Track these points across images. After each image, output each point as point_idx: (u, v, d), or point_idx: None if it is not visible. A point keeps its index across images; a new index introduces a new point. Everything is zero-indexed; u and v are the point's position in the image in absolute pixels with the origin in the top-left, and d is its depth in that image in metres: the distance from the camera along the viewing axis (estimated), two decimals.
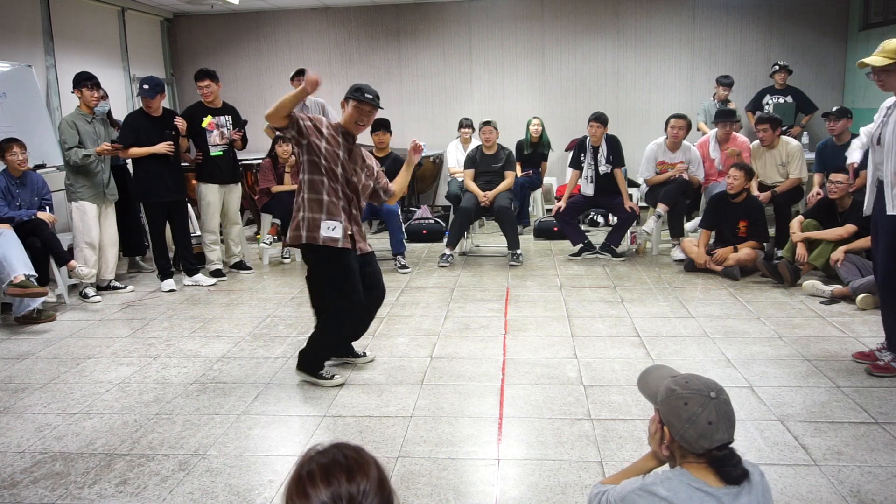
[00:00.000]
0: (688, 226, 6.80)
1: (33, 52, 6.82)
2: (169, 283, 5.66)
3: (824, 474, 2.62)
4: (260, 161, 6.93)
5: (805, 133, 7.78)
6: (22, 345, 4.44)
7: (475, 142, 7.26)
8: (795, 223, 5.37)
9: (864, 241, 4.84)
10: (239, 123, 5.94)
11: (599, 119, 6.25)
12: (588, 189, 6.39)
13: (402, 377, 3.69)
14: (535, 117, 7.87)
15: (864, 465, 2.68)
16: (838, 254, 4.88)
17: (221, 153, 5.85)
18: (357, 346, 3.90)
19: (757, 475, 1.63)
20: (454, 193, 6.94)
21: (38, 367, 4.01)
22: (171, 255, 5.90)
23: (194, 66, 7.46)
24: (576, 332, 4.35)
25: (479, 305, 5.00)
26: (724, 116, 6.42)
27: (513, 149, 7.04)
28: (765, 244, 5.75)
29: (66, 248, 5.38)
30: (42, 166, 5.95)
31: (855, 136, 5.81)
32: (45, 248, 5.09)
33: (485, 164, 6.50)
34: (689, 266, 5.78)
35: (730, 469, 1.57)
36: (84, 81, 5.35)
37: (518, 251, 6.25)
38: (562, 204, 6.43)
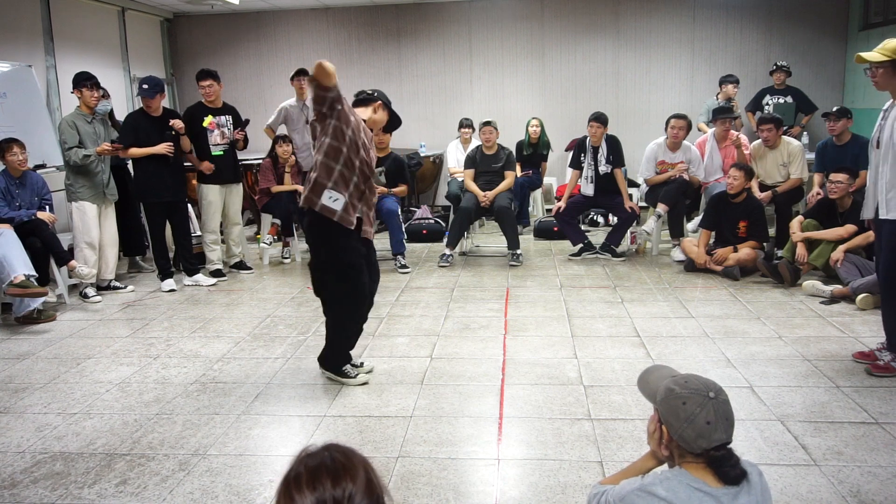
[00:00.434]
0: (688, 226, 6.80)
1: (33, 52, 6.83)
2: (169, 283, 5.67)
3: (824, 474, 2.62)
4: (260, 161, 6.93)
5: (805, 133, 7.78)
6: (22, 345, 4.44)
7: (475, 142, 7.26)
8: (795, 223, 5.37)
9: (863, 238, 4.85)
10: (240, 123, 5.94)
11: (599, 119, 6.26)
12: (588, 189, 6.39)
13: (402, 377, 3.69)
14: (533, 118, 7.87)
15: (864, 465, 2.68)
16: (838, 254, 4.88)
17: (222, 153, 5.85)
18: (354, 354, 3.77)
19: (756, 475, 1.63)
20: (454, 193, 6.95)
21: (38, 367, 4.01)
22: (171, 255, 5.91)
23: (194, 66, 7.46)
24: (576, 332, 4.35)
25: (479, 305, 5.01)
26: (723, 113, 6.43)
27: (513, 149, 7.04)
28: (765, 244, 5.75)
29: (66, 248, 5.38)
30: (42, 166, 5.95)
31: (855, 136, 5.81)
32: (45, 248, 5.09)
33: (485, 165, 6.50)
34: (689, 266, 5.78)
35: (728, 469, 1.57)
36: (84, 81, 5.35)
37: (518, 251, 6.25)
38: (562, 204, 6.43)
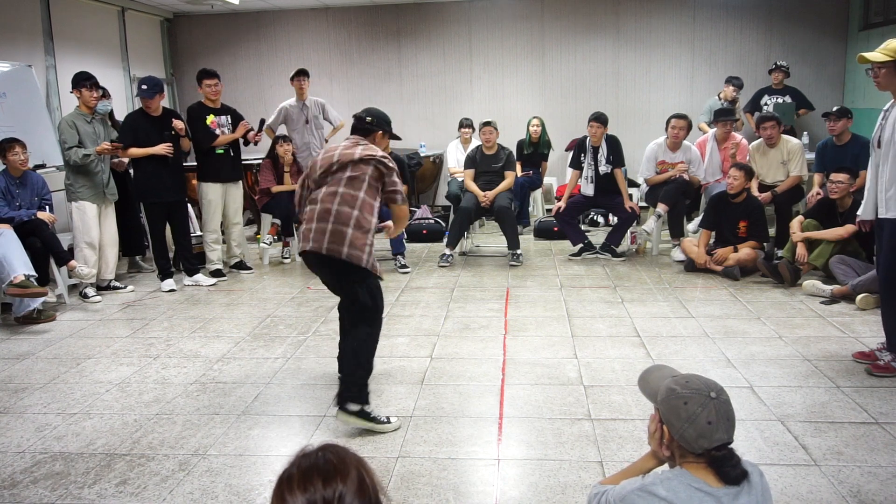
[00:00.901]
0: (688, 226, 6.80)
1: (33, 52, 6.82)
2: (169, 283, 5.67)
3: (824, 474, 2.62)
4: (260, 161, 6.93)
5: (805, 133, 7.78)
6: (22, 345, 4.44)
7: (475, 142, 7.26)
8: (795, 223, 5.37)
9: (845, 231, 4.91)
10: (237, 123, 5.95)
11: (599, 119, 6.25)
12: (588, 189, 6.39)
13: (402, 377, 3.69)
14: (534, 117, 7.87)
15: (864, 465, 2.68)
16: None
17: (223, 151, 5.86)
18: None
19: (756, 475, 1.63)
20: (454, 193, 6.94)
21: (38, 367, 4.01)
22: (170, 254, 5.91)
23: (194, 66, 7.45)
24: (576, 332, 4.35)
25: (479, 305, 5.00)
26: (724, 115, 6.42)
27: (513, 149, 7.04)
28: (765, 244, 5.75)
29: (66, 248, 5.38)
30: (42, 166, 5.95)
31: (855, 136, 5.81)
32: (45, 248, 5.09)
33: (485, 164, 6.50)
34: (690, 266, 5.78)
35: (729, 469, 1.57)
36: (83, 81, 5.35)
37: (518, 251, 6.25)
38: (562, 204, 6.43)
